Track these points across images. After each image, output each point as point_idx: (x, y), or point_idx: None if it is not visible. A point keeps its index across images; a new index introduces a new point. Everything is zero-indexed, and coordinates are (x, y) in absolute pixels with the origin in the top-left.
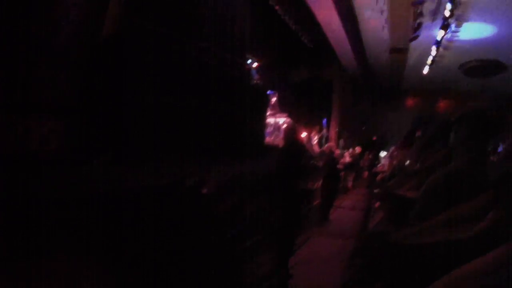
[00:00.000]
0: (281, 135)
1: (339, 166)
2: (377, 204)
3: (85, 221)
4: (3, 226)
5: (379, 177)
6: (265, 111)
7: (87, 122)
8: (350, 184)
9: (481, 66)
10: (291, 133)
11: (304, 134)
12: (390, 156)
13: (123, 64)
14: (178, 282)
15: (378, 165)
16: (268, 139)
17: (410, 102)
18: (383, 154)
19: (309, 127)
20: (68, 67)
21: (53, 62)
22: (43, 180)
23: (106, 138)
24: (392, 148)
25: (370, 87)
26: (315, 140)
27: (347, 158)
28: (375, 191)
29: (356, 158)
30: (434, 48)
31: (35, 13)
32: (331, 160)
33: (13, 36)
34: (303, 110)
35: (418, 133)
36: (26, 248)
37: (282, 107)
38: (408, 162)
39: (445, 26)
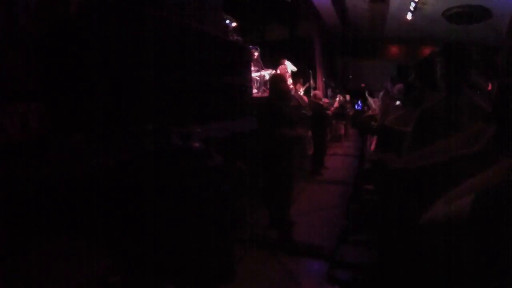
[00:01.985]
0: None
1: (329, 113)
2: (373, 144)
3: (80, 201)
4: None
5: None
6: (249, 66)
7: (55, 104)
8: (342, 131)
9: (465, 12)
10: (274, 82)
11: (289, 83)
12: (382, 99)
13: (87, 40)
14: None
15: (369, 111)
16: (256, 94)
17: (393, 50)
18: (371, 100)
19: (293, 80)
20: (27, 48)
21: (9, 46)
22: (26, 166)
23: (77, 117)
24: (381, 93)
25: (352, 37)
26: (301, 91)
27: (336, 106)
28: (372, 124)
29: (345, 106)
30: None
31: None
32: (318, 107)
33: None
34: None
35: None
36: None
37: (266, 64)
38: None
39: None
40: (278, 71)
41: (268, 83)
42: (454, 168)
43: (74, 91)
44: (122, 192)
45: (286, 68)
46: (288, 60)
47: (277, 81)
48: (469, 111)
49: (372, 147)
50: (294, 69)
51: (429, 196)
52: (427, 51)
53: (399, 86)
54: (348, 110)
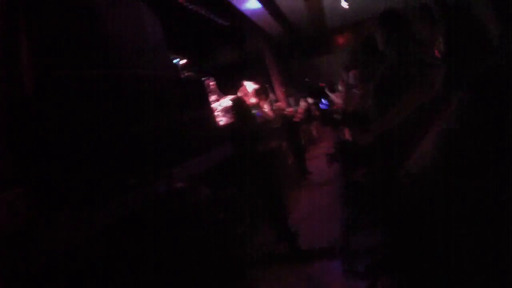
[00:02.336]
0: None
1: (296, 120)
2: (346, 131)
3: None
4: None
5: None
6: (207, 98)
7: (37, 185)
8: (314, 133)
9: None
10: (234, 106)
11: (253, 101)
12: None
13: (49, 114)
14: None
15: (333, 106)
16: (226, 122)
17: (340, 40)
18: (332, 95)
19: (256, 98)
20: None
21: None
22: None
23: (60, 191)
24: (339, 85)
25: (298, 40)
26: (265, 107)
27: (301, 111)
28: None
29: (311, 108)
30: None
31: None
32: (284, 118)
33: None
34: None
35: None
36: None
37: (223, 91)
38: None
39: None
40: (241, 93)
41: (229, 108)
42: (418, 118)
43: (49, 168)
44: (121, 251)
45: (246, 89)
46: (247, 80)
47: (237, 104)
48: (418, 66)
49: (346, 135)
50: (256, 86)
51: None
52: (372, 28)
53: (353, 72)
54: (314, 111)
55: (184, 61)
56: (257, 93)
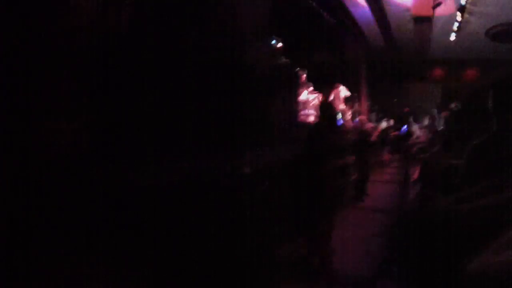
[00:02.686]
0: (314, 112)
1: (373, 139)
2: (417, 173)
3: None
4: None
5: (415, 148)
6: (296, 89)
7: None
8: (386, 157)
9: (508, 30)
10: (325, 110)
11: (342, 107)
12: (429, 129)
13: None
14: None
15: (413, 136)
16: (302, 118)
17: (437, 72)
18: (415, 126)
19: (346, 105)
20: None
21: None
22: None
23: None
24: (426, 120)
25: (397, 60)
26: (349, 115)
27: (379, 131)
28: (420, 157)
29: (388, 131)
30: (459, 14)
31: None
32: (362, 134)
33: None
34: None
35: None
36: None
37: (315, 86)
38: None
39: None
40: (332, 96)
41: (317, 108)
42: (507, 210)
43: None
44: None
45: (340, 93)
46: (340, 83)
47: (328, 109)
48: None
49: (416, 175)
50: (348, 94)
51: (479, 241)
52: (471, 72)
53: (446, 114)
54: (391, 134)
55: (280, 44)
56: (347, 100)
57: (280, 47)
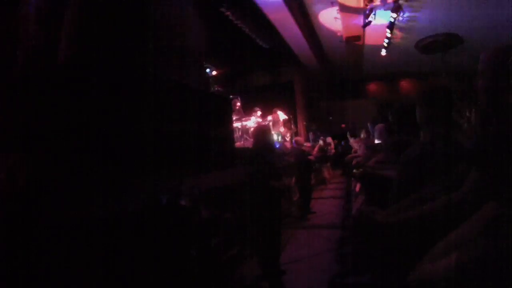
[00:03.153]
0: (250, 138)
1: (311, 158)
2: (358, 186)
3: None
4: None
5: (354, 161)
6: (230, 117)
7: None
8: (326, 174)
9: (436, 41)
10: (261, 133)
11: (282, 130)
12: (365, 142)
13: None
14: None
15: (352, 150)
16: (238, 144)
17: (372, 87)
18: (352, 140)
19: (285, 128)
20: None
21: None
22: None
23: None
24: (362, 134)
25: (331, 79)
26: (287, 137)
27: (316, 150)
28: (354, 172)
29: (326, 149)
30: (388, 31)
31: None
32: (300, 154)
33: None
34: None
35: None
36: None
37: (248, 113)
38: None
39: (396, 8)
40: (271, 119)
41: (253, 133)
42: (440, 217)
43: (57, 144)
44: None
45: (279, 117)
46: (278, 107)
47: (264, 132)
48: (454, 155)
49: (357, 188)
50: (286, 117)
51: (418, 249)
52: (405, 84)
53: (380, 126)
54: (330, 152)
55: (214, 72)
56: (286, 123)
57: (214, 74)
